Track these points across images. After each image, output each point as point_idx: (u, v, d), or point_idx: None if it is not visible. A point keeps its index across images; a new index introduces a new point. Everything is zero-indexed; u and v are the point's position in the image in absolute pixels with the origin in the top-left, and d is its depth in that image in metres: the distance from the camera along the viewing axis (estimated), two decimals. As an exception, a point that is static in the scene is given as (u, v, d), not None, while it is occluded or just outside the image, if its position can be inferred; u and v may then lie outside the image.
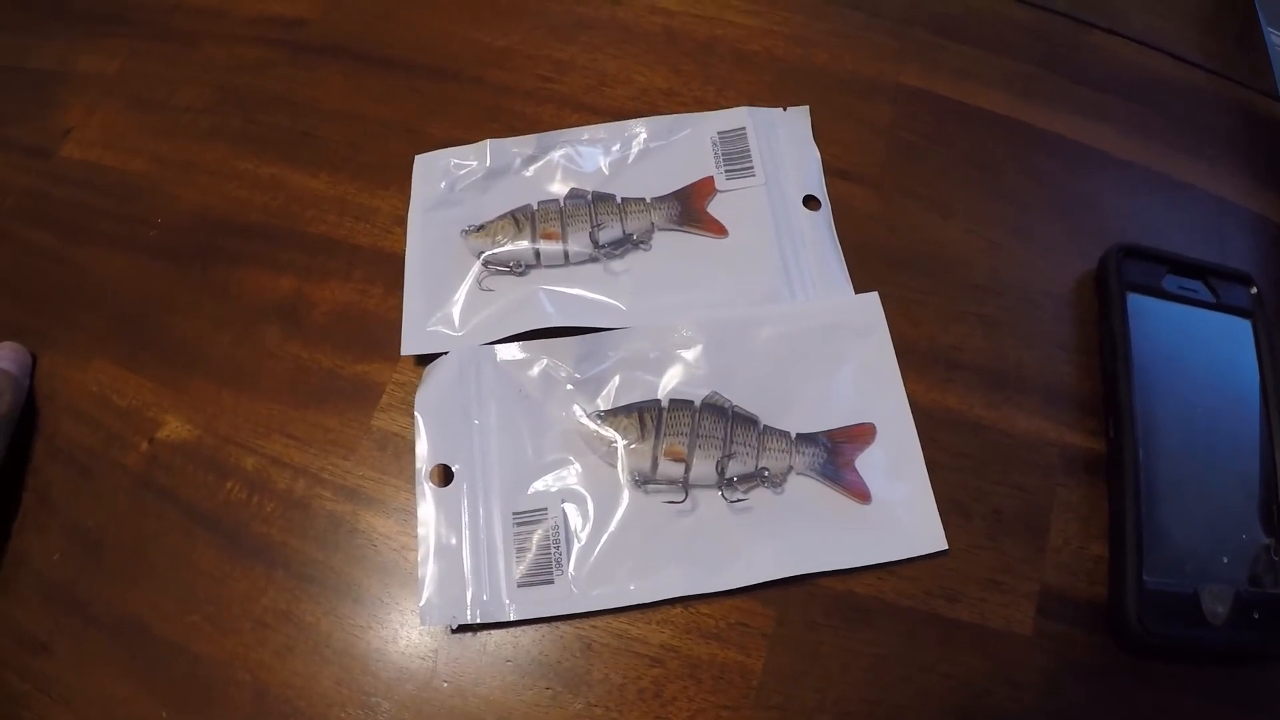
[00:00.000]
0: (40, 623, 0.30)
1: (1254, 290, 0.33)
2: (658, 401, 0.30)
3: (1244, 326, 0.32)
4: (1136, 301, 0.32)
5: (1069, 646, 0.28)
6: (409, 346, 0.32)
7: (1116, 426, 0.30)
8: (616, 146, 0.36)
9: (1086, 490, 0.30)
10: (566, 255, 0.33)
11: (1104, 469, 0.30)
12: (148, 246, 0.36)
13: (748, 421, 0.30)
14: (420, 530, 0.29)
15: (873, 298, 0.32)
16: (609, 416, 0.30)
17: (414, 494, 0.30)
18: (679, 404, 0.30)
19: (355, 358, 0.33)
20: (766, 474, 0.29)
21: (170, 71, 0.41)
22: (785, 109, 0.36)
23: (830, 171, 0.35)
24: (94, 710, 0.29)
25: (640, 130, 0.36)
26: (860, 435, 0.30)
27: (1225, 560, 0.28)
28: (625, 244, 0.33)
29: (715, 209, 0.34)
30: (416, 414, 0.31)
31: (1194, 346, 0.32)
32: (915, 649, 0.28)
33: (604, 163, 0.35)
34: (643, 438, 0.29)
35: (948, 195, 0.35)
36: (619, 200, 0.34)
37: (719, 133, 0.35)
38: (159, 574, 0.30)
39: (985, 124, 0.37)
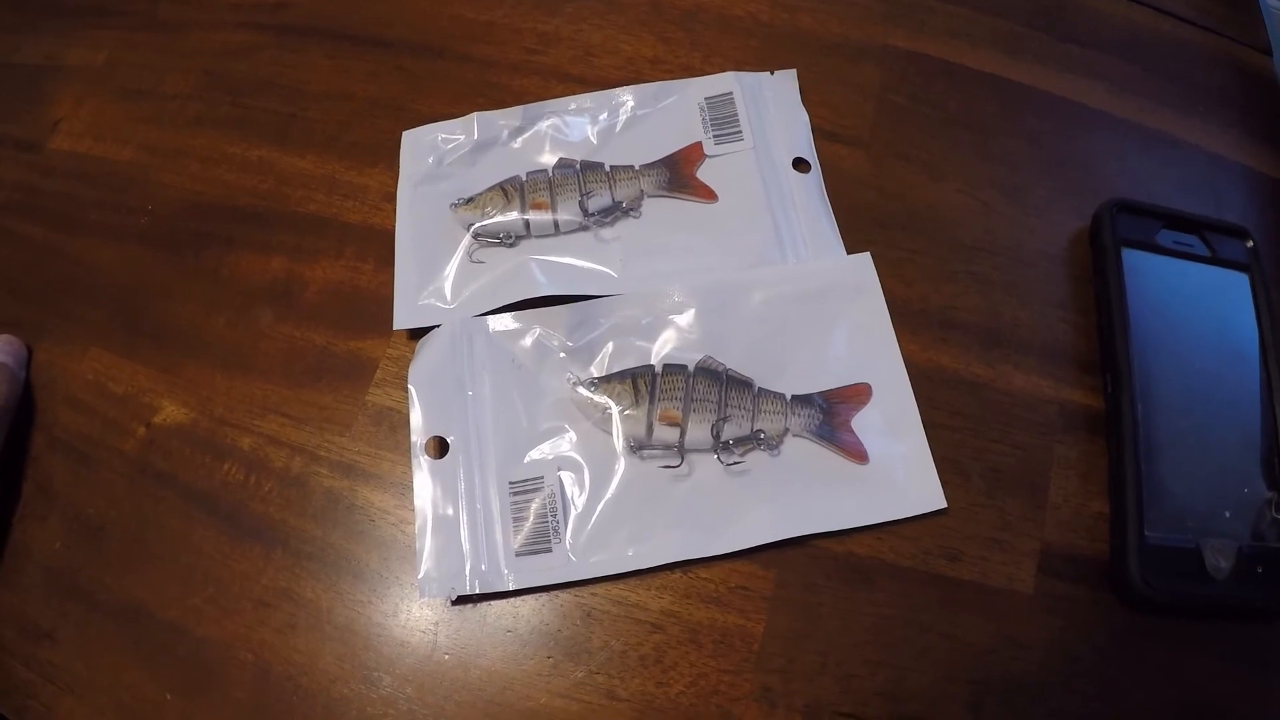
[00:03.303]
0: (43, 611, 0.30)
1: (1250, 244, 0.32)
2: (651, 367, 0.30)
3: (1240, 280, 0.32)
4: (1132, 257, 0.31)
5: (1071, 604, 0.28)
6: (401, 321, 0.32)
7: (1114, 382, 0.30)
8: (604, 115, 0.35)
9: (1086, 447, 0.30)
10: (556, 225, 0.33)
11: (1103, 425, 0.30)
12: (139, 235, 0.36)
13: (742, 384, 0.30)
14: (417, 503, 0.29)
15: (865, 258, 0.32)
16: (603, 383, 0.30)
17: (410, 467, 0.30)
18: (673, 369, 0.30)
19: (348, 335, 0.33)
20: (762, 436, 0.29)
21: (157, 60, 0.41)
22: (772, 73, 0.36)
23: (819, 134, 0.35)
24: (99, 696, 0.29)
25: (627, 98, 0.36)
26: (856, 395, 0.30)
27: (1227, 515, 0.28)
28: (615, 212, 0.33)
29: (704, 174, 0.34)
30: (410, 387, 0.31)
31: (1190, 301, 0.31)
32: (916, 609, 0.28)
33: (592, 132, 0.35)
34: (637, 403, 0.29)
35: (938, 156, 0.35)
36: (608, 168, 0.34)
37: (706, 98, 0.35)
38: (160, 558, 0.30)
39: (975, 84, 0.36)
